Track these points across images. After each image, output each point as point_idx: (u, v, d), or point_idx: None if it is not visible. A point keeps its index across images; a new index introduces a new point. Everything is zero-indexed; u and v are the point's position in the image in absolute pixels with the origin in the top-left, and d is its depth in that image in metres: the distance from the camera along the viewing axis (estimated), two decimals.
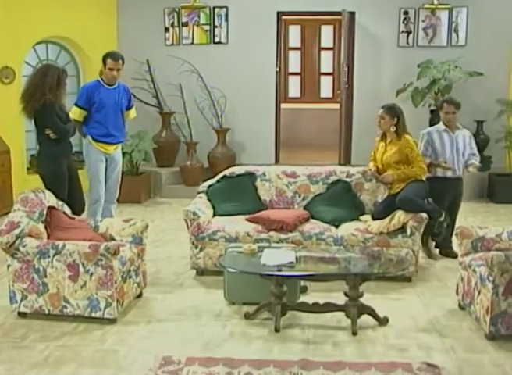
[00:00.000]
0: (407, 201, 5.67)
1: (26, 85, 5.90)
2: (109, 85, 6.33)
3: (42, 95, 5.71)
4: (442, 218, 5.75)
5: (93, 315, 4.69)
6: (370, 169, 6.21)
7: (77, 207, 5.88)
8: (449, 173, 6.21)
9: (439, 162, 6.16)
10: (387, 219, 5.67)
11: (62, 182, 5.88)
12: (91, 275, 4.63)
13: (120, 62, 6.26)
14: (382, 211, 5.78)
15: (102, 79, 6.36)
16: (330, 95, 13.89)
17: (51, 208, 5.10)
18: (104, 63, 6.25)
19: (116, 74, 6.29)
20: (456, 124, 6.31)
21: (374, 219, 5.82)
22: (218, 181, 6.46)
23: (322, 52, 14.13)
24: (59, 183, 5.84)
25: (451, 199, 6.27)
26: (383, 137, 6.07)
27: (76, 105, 6.29)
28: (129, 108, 6.63)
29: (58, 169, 5.88)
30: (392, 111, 5.92)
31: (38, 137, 6.01)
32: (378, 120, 5.98)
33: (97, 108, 6.27)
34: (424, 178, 5.98)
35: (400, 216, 5.62)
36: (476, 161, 6.31)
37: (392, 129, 5.92)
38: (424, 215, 5.63)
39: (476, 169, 6.35)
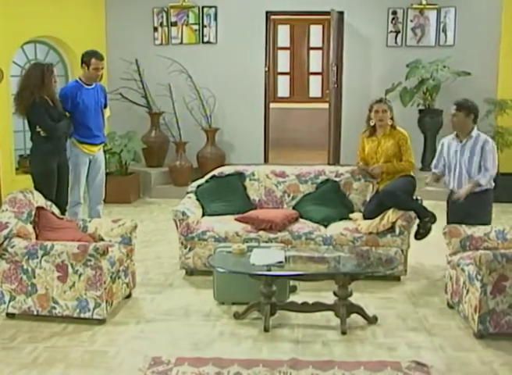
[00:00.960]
0: (389, 195, 5.67)
1: (17, 87, 5.95)
2: (88, 85, 6.29)
3: (31, 95, 5.74)
4: (428, 218, 5.76)
5: (82, 315, 4.67)
6: (358, 163, 6.20)
7: (62, 207, 5.86)
8: (450, 186, 5.59)
9: (426, 177, 5.88)
10: (377, 219, 5.68)
11: (50, 181, 5.89)
12: (80, 275, 4.61)
13: (103, 61, 6.25)
14: (374, 210, 5.78)
15: (81, 79, 6.31)
16: (319, 95, 13.91)
17: (39, 208, 5.08)
18: (87, 64, 6.18)
19: (100, 73, 6.27)
20: (475, 131, 5.48)
21: (365, 218, 5.82)
22: (207, 181, 6.46)
23: (311, 52, 14.15)
24: (48, 182, 5.85)
25: (455, 215, 5.50)
26: (372, 133, 6.05)
27: None
28: (104, 107, 6.59)
29: (47, 167, 5.90)
30: (390, 104, 5.96)
31: (31, 136, 6.02)
32: (380, 115, 5.90)
33: (80, 110, 6.21)
34: (412, 173, 5.98)
35: (389, 216, 5.63)
36: (483, 179, 5.34)
37: (390, 122, 5.94)
38: (413, 214, 5.65)
39: (463, 194, 5.36)
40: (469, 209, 5.35)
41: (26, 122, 6.06)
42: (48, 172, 5.91)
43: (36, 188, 5.69)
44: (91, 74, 6.23)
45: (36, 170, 5.96)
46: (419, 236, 5.84)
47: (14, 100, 5.93)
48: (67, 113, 6.15)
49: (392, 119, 5.96)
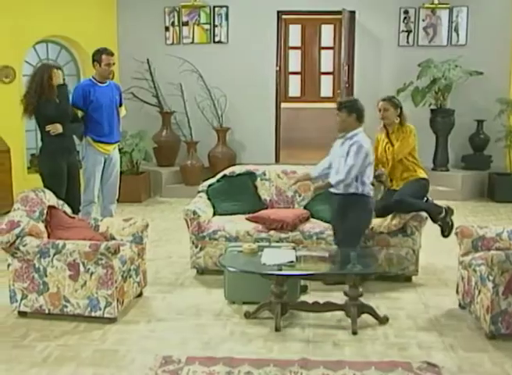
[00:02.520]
0: (398, 204, 5.58)
1: (24, 89, 6.01)
2: (102, 83, 6.30)
3: (32, 98, 5.80)
4: (443, 214, 5.70)
5: (93, 314, 4.69)
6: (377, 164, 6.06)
7: (74, 206, 5.87)
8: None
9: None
10: (388, 219, 5.65)
11: (59, 180, 5.92)
12: (91, 274, 4.63)
13: (114, 56, 6.26)
14: (383, 209, 5.74)
15: (94, 77, 6.32)
16: (330, 95, 13.89)
17: (51, 207, 5.10)
18: (98, 61, 6.18)
19: (112, 69, 6.28)
20: (354, 131, 5.33)
21: (376, 217, 5.79)
22: (218, 181, 6.46)
23: (322, 51, 14.13)
24: (57, 181, 5.87)
25: (332, 217, 5.59)
26: (386, 131, 5.97)
27: (72, 105, 6.23)
28: (120, 105, 6.59)
29: (56, 166, 5.93)
30: (395, 101, 5.89)
31: (41, 136, 6.05)
32: (381, 113, 5.81)
33: (94, 108, 6.22)
34: (426, 176, 5.92)
35: (400, 216, 5.60)
36: (333, 178, 5.37)
37: (397, 120, 5.87)
38: (424, 214, 5.62)
39: (314, 188, 5.69)
40: (334, 210, 5.47)
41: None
42: (56, 171, 5.93)
43: (45, 187, 5.73)
44: (104, 71, 6.23)
45: (44, 169, 5.99)
46: (446, 233, 5.76)
47: (21, 102, 5.97)
48: (80, 111, 6.18)
49: (399, 116, 5.86)
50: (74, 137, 6.29)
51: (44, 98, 5.81)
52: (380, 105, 5.86)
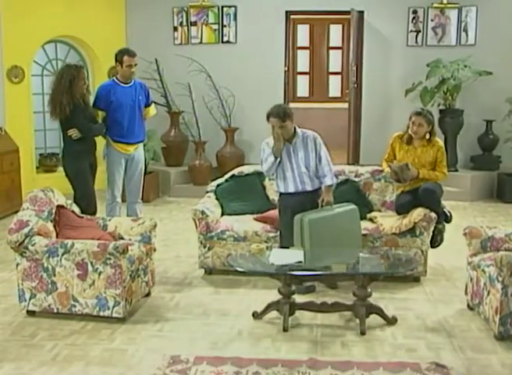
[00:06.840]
0: (431, 193, 5.63)
1: (51, 90, 6.03)
2: (125, 83, 6.31)
3: (60, 99, 5.84)
4: (441, 226, 5.75)
5: (101, 314, 4.70)
6: (393, 161, 5.97)
7: (83, 206, 5.89)
8: (290, 189, 5.50)
9: None
10: (400, 220, 5.63)
11: (84, 180, 6.02)
12: (100, 274, 4.63)
13: (136, 57, 6.27)
14: (406, 205, 5.76)
15: (117, 78, 6.35)
16: (339, 95, 13.87)
17: (59, 207, 5.12)
18: (120, 61, 6.20)
19: (134, 70, 6.29)
20: (297, 129, 5.49)
21: (398, 213, 5.79)
22: (226, 180, 6.46)
23: (331, 51, 14.11)
24: (82, 181, 5.98)
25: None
26: (409, 140, 5.90)
27: (93, 106, 6.28)
28: (148, 105, 6.58)
29: (79, 167, 6.03)
30: (430, 118, 5.81)
31: (63, 137, 6.14)
32: (415, 128, 5.76)
33: (115, 108, 6.24)
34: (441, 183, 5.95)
35: (411, 216, 5.59)
36: (332, 178, 5.52)
37: (427, 136, 5.85)
38: (434, 215, 5.60)
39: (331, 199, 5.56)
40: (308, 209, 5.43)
41: (45, 118, 6.13)
42: (82, 170, 6.03)
43: (73, 188, 5.94)
44: (125, 72, 6.25)
45: (70, 170, 6.08)
46: (434, 243, 5.81)
47: (49, 103, 6.00)
48: (100, 112, 6.23)
49: (430, 133, 5.84)
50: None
51: (75, 99, 5.86)
52: (414, 119, 5.79)
